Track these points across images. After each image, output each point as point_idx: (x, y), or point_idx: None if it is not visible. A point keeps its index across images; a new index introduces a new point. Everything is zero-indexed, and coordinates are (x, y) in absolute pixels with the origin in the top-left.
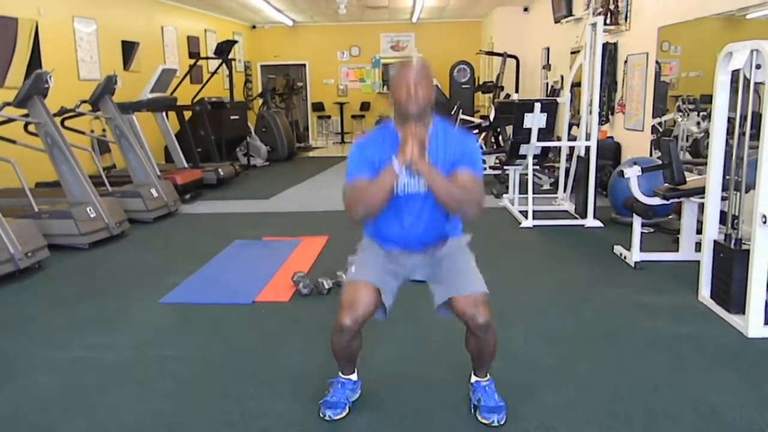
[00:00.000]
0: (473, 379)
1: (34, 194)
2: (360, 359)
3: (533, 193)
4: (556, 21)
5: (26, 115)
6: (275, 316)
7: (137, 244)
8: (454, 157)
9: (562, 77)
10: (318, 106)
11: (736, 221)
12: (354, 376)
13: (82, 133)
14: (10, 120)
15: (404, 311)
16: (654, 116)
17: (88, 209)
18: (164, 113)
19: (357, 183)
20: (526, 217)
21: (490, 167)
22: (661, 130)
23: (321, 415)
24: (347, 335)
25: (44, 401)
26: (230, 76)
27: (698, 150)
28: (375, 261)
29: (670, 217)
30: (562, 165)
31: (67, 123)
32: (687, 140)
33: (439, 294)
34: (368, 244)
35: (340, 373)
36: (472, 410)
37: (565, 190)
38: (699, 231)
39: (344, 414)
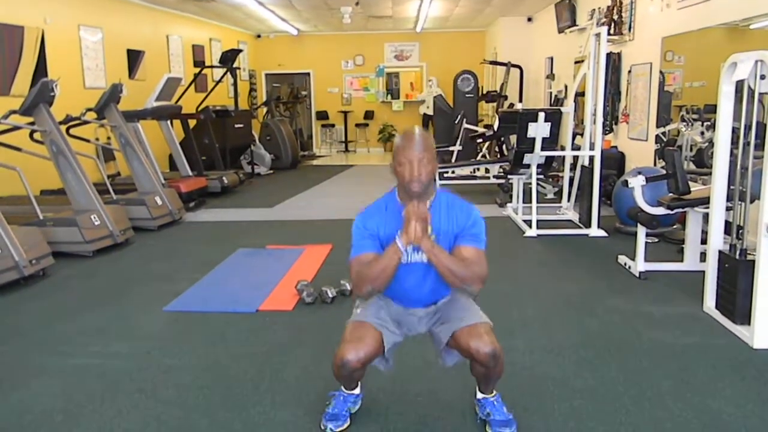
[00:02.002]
0: (479, 395)
1: (38, 202)
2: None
3: (537, 202)
4: (560, 31)
5: (32, 123)
6: (279, 324)
7: (141, 251)
8: (457, 229)
9: (565, 87)
10: (322, 115)
11: (740, 231)
12: (357, 391)
13: (87, 141)
14: (15, 128)
15: None
16: (658, 126)
17: (92, 217)
18: (169, 121)
19: (362, 258)
20: (530, 227)
21: (494, 176)
22: (665, 139)
23: (322, 428)
24: (347, 370)
25: (48, 409)
26: (235, 84)
27: (702, 160)
28: (380, 308)
29: (675, 227)
30: (566, 174)
31: (72, 131)
32: (691, 150)
33: (441, 335)
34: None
35: (343, 388)
36: (479, 423)
37: (569, 200)
38: (704, 241)
39: (345, 426)
